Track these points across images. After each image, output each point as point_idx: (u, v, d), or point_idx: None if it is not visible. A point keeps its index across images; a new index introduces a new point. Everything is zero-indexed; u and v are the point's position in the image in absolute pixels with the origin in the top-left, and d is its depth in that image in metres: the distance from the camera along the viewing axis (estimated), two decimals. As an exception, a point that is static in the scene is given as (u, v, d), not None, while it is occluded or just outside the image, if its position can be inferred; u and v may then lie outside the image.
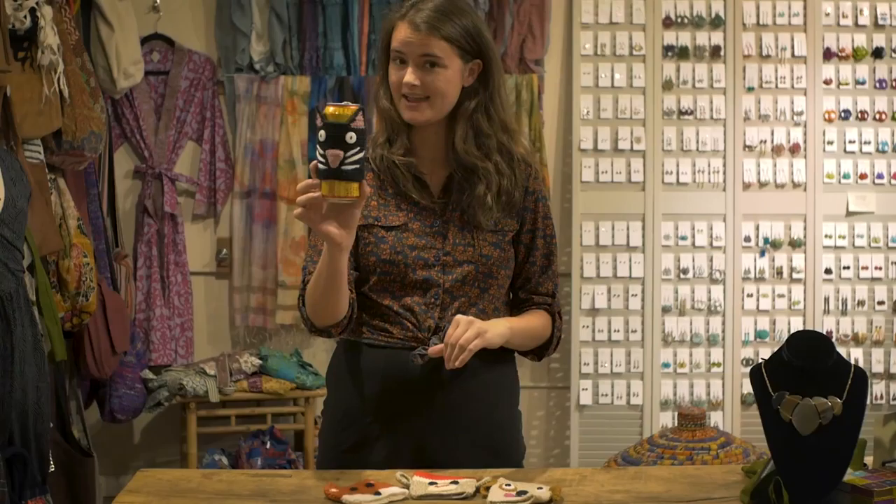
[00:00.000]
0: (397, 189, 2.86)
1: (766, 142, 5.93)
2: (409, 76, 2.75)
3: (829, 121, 5.93)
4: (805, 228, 5.92)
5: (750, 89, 5.93)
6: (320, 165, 2.44)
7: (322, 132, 2.43)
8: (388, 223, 2.83)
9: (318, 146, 2.45)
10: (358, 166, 2.44)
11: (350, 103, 2.44)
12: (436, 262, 2.81)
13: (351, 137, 2.41)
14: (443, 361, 2.77)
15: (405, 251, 2.81)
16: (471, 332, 2.64)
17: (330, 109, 2.43)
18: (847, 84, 5.94)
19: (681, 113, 5.93)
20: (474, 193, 2.82)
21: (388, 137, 2.86)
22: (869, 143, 5.93)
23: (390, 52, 2.81)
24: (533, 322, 2.92)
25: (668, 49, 5.94)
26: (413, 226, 2.83)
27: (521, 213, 2.92)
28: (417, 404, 2.81)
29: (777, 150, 5.93)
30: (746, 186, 5.92)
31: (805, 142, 5.93)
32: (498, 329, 2.75)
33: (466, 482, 2.49)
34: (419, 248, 2.81)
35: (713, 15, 5.93)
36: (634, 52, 5.94)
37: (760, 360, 2.48)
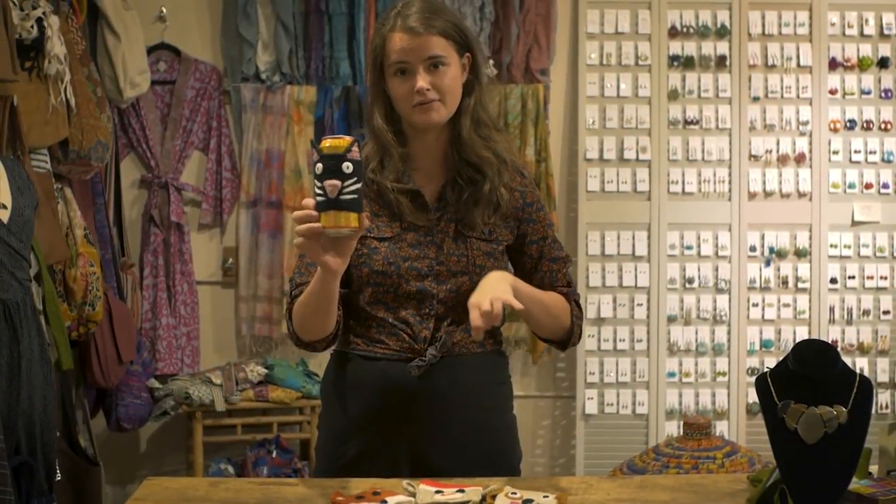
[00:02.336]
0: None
1: (771, 151, 5.94)
2: (421, 81, 2.73)
3: (835, 130, 5.93)
4: (810, 238, 5.92)
5: (755, 99, 5.94)
6: (318, 198, 2.43)
7: (319, 165, 2.42)
8: (381, 234, 2.82)
9: (315, 180, 2.43)
10: (356, 196, 2.42)
11: (346, 136, 2.44)
12: (429, 272, 2.80)
13: (347, 167, 2.40)
14: (438, 369, 2.80)
15: (398, 262, 2.80)
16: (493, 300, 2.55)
17: (326, 143, 2.42)
18: (852, 94, 5.95)
19: (686, 122, 5.94)
20: (480, 192, 2.82)
21: (381, 160, 2.84)
22: (874, 152, 5.93)
23: (387, 68, 2.79)
24: (546, 295, 2.83)
25: (673, 59, 5.94)
26: (406, 236, 2.82)
27: (519, 223, 2.90)
28: (415, 414, 2.82)
29: (782, 160, 5.93)
30: (752, 196, 5.93)
31: (810, 151, 5.93)
32: (512, 287, 2.65)
33: (473, 490, 2.49)
34: (412, 258, 2.80)
35: (719, 25, 5.94)
36: (640, 62, 5.95)
37: (766, 370, 2.48)
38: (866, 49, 5.95)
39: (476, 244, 2.83)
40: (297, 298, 2.78)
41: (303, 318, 2.76)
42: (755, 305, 5.93)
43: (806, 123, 5.93)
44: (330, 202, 2.41)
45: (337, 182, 2.40)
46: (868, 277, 5.92)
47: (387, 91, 2.82)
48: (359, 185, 2.42)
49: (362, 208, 2.46)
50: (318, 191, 2.43)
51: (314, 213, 2.45)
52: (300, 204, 2.49)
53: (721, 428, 5.83)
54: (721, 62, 5.94)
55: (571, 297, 2.92)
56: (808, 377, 2.38)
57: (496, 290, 2.59)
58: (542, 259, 2.92)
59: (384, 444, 2.84)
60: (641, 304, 5.92)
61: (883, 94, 5.94)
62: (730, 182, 5.93)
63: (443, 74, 2.75)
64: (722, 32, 5.94)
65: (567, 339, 2.92)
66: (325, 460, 2.94)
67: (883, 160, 5.93)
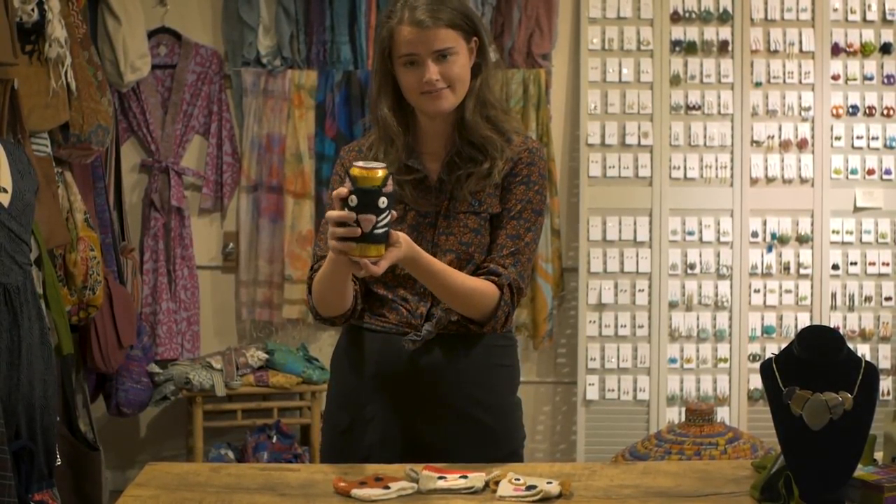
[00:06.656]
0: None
1: (773, 137, 5.92)
2: (430, 73, 2.74)
3: (837, 116, 5.92)
4: (812, 224, 5.91)
5: (758, 84, 5.92)
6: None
7: (354, 198, 2.45)
8: None
9: (348, 210, 2.45)
10: (386, 229, 2.48)
11: (376, 165, 2.46)
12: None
13: (383, 202, 2.45)
14: (436, 346, 2.83)
15: None
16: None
17: (360, 172, 2.44)
18: (855, 79, 5.93)
19: (688, 108, 5.92)
20: (476, 170, 2.82)
21: (385, 150, 2.85)
22: (877, 138, 5.92)
23: (395, 59, 2.80)
24: (468, 282, 2.80)
25: (675, 44, 5.92)
26: (407, 216, 2.85)
27: (502, 191, 2.87)
28: (410, 388, 2.84)
29: (785, 146, 5.92)
30: (754, 182, 5.91)
31: (813, 137, 5.92)
32: (417, 255, 2.68)
33: (476, 476, 2.49)
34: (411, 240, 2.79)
35: (721, 10, 5.92)
36: (642, 47, 5.93)
37: (770, 355, 2.47)
38: (869, 34, 5.93)
39: (464, 220, 2.84)
40: (316, 273, 2.81)
41: (320, 293, 2.80)
42: (757, 291, 5.93)
43: (808, 109, 5.91)
44: (363, 236, 2.46)
45: (372, 217, 2.44)
46: (870, 263, 5.91)
47: (394, 78, 2.84)
48: (390, 218, 2.48)
49: (390, 239, 2.52)
50: (353, 222, 2.47)
51: (350, 215, 2.45)
52: (331, 220, 2.48)
53: (722, 414, 5.83)
54: (723, 47, 5.92)
55: (504, 285, 2.83)
56: (814, 363, 2.38)
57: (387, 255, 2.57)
58: (502, 231, 2.87)
59: (377, 415, 2.87)
60: (643, 290, 5.92)
61: (885, 80, 5.92)
62: (732, 168, 5.91)
63: (452, 64, 2.77)
64: (724, 17, 5.92)
65: (484, 323, 2.86)
66: (325, 428, 3.01)
67: (885, 146, 5.92)
